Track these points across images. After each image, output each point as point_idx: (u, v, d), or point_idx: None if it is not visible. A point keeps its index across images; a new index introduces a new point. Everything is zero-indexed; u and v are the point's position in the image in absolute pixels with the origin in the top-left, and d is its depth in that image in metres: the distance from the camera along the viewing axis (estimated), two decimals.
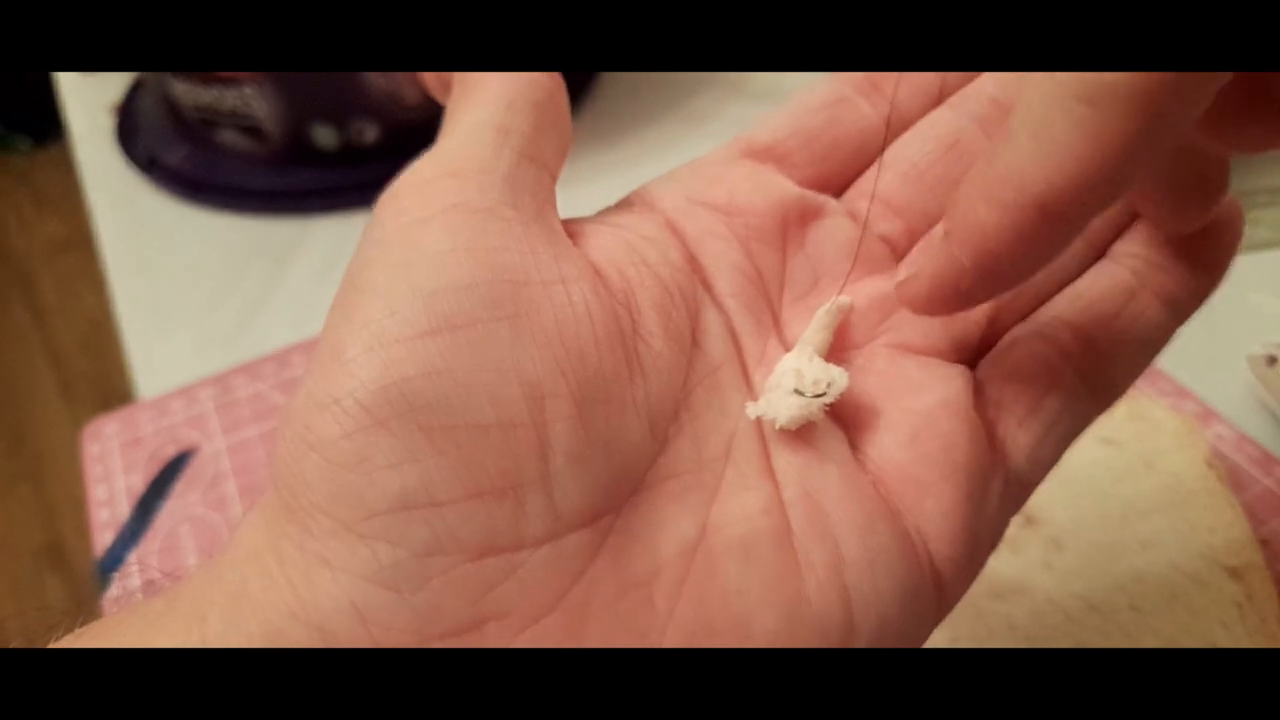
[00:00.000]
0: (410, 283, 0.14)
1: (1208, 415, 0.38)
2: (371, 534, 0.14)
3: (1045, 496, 0.33)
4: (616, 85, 0.60)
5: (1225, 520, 0.32)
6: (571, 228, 0.17)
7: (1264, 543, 0.32)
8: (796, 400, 0.16)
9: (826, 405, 0.16)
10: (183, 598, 0.15)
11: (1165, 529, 0.32)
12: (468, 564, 0.14)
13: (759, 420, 0.17)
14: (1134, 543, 0.32)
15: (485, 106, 0.17)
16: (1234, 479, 0.35)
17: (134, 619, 0.15)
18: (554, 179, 0.17)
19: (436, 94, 0.18)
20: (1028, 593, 0.31)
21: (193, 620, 0.14)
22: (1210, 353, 0.39)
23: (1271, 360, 0.38)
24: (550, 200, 0.17)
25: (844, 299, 0.18)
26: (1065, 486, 0.33)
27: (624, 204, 0.19)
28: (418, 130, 0.53)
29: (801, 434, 0.17)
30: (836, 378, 0.17)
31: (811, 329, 0.18)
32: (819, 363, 0.17)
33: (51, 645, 0.15)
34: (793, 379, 0.17)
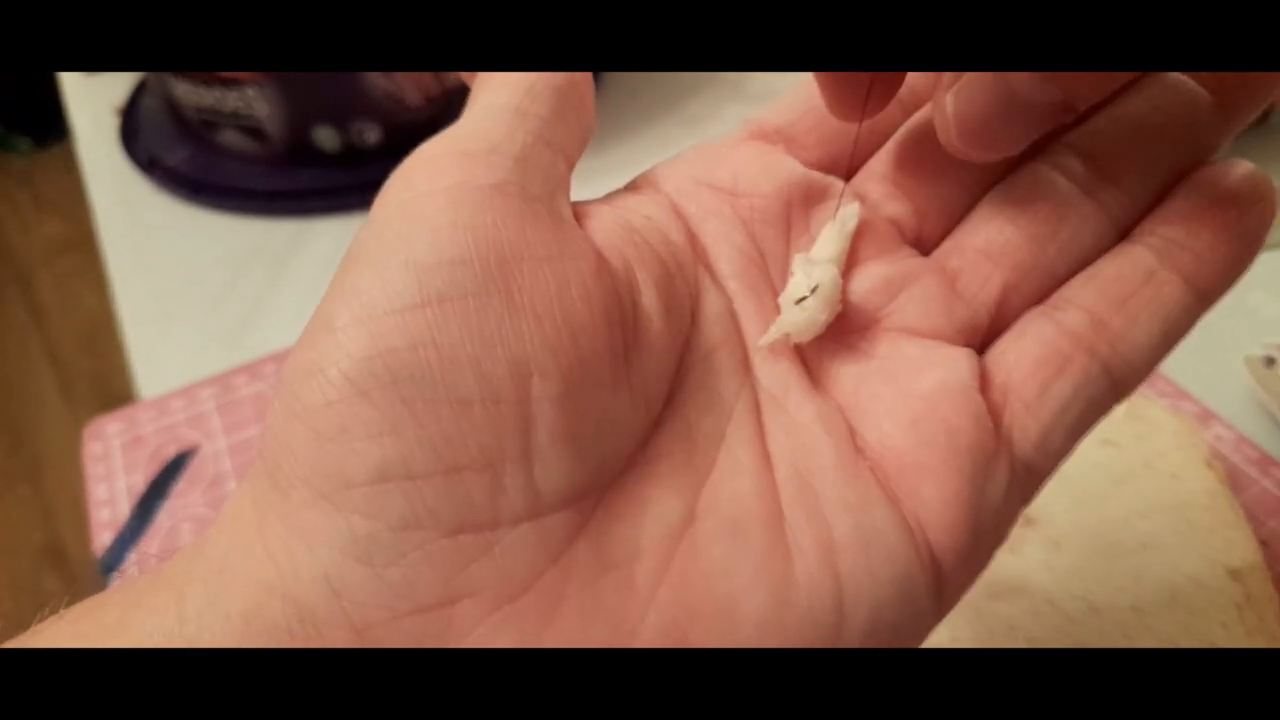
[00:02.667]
0: (404, 255, 0.14)
1: (1207, 416, 0.38)
2: (348, 506, 0.14)
3: (1044, 497, 0.33)
4: (616, 85, 0.60)
5: (1224, 521, 0.32)
6: (577, 210, 0.17)
7: (1263, 543, 0.33)
8: (794, 310, 0.16)
9: (829, 310, 0.17)
10: (167, 573, 0.15)
11: (1164, 530, 0.32)
12: (443, 539, 0.14)
13: (755, 402, 0.17)
14: (1133, 543, 0.32)
15: (505, 89, 0.17)
16: (1233, 480, 0.35)
17: (119, 596, 0.15)
18: (570, 164, 0.17)
19: (466, 78, 0.18)
20: (1027, 593, 0.31)
21: (172, 596, 0.14)
22: (1209, 354, 0.39)
23: (1270, 361, 0.38)
24: (563, 185, 0.17)
25: (852, 205, 0.18)
26: (1065, 487, 0.33)
27: (631, 186, 0.19)
28: (419, 131, 0.53)
29: (799, 416, 0.17)
30: (822, 275, 0.16)
31: (820, 243, 0.18)
32: (813, 267, 0.17)
33: (39, 623, 0.15)
34: (793, 290, 0.17)
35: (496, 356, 0.14)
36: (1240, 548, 0.31)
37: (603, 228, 0.17)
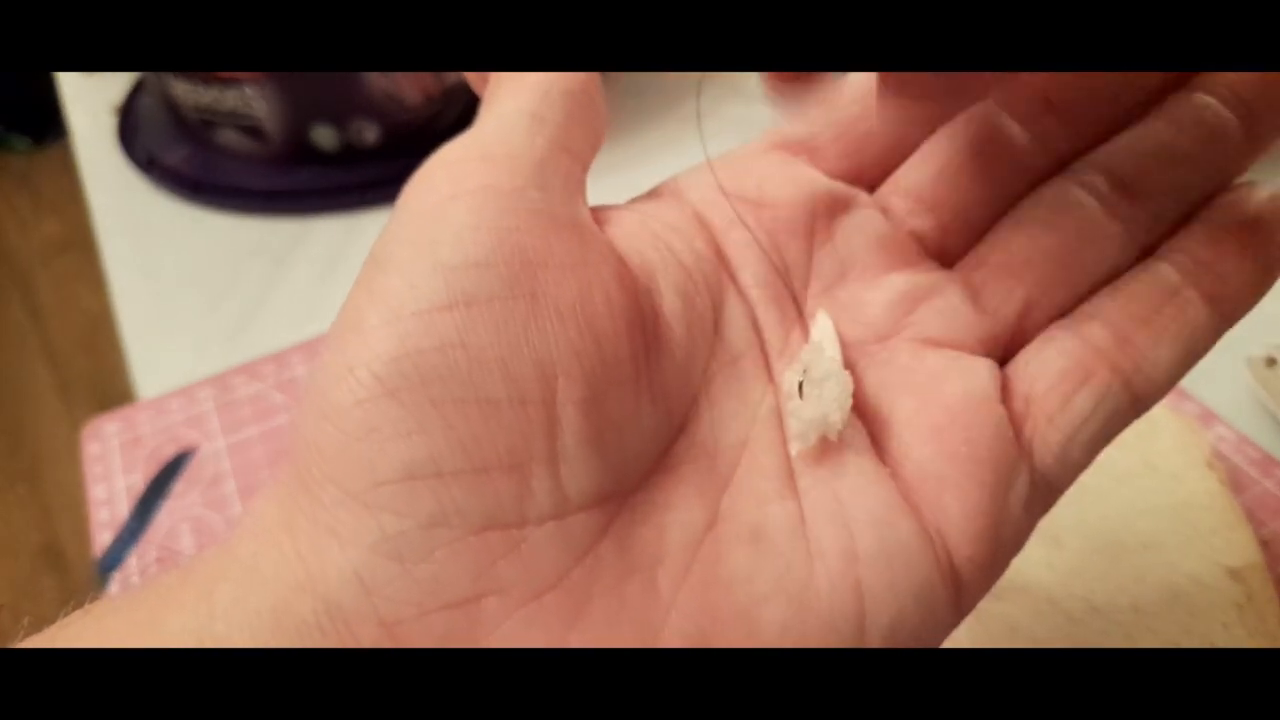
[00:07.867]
0: (431, 258, 0.15)
1: (1208, 417, 0.38)
2: (378, 504, 0.14)
3: None
4: (617, 85, 0.60)
5: (1226, 521, 0.32)
6: (599, 215, 0.17)
7: (1264, 544, 0.33)
8: (809, 411, 0.16)
9: (845, 407, 0.16)
10: (196, 571, 0.15)
11: (1166, 530, 0.32)
12: (470, 537, 0.14)
13: (778, 410, 0.17)
14: (1134, 543, 0.32)
15: (521, 95, 0.17)
16: (1234, 480, 0.35)
17: (146, 594, 0.15)
18: (585, 168, 0.17)
19: (476, 86, 0.18)
20: (1028, 593, 0.31)
21: (202, 594, 0.14)
22: (1211, 354, 0.39)
23: (1271, 362, 0.38)
24: (579, 188, 0.17)
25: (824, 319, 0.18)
26: None
27: (653, 193, 0.19)
28: (418, 131, 0.53)
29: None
30: (806, 357, 0.16)
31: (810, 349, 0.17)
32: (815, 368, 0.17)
33: (65, 619, 0.15)
34: (798, 396, 0.16)
35: (523, 358, 0.14)
36: (1240, 548, 0.31)
37: (626, 233, 0.17)
